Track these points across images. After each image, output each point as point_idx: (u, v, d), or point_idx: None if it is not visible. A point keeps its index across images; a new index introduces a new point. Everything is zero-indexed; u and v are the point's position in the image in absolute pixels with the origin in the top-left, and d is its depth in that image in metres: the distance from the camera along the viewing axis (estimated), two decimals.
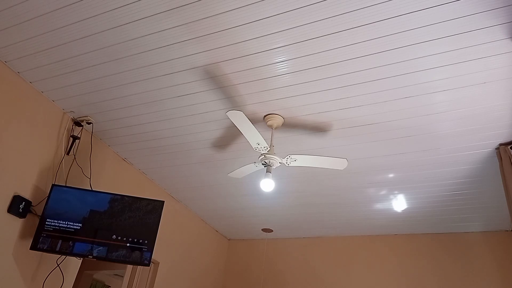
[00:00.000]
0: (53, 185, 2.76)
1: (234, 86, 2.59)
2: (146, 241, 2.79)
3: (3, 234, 2.53)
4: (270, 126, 2.84)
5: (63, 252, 2.66)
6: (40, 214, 2.69)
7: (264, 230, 4.84)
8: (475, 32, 2.00)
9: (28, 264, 2.67)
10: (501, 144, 2.78)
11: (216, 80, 2.57)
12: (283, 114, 2.80)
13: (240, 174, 3.07)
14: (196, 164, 3.58)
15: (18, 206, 2.61)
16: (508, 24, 1.93)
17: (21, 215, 2.64)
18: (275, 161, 2.70)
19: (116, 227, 2.77)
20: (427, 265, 4.13)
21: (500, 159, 2.77)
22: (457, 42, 2.07)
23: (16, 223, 2.62)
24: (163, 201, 2.92)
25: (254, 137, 2.62)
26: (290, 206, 4.11)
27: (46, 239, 2.62)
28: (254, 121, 2.85)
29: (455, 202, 3.59)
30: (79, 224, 2.72)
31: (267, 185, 2.72)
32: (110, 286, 5.79)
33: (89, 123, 3.14)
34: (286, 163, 2.76)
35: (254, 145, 2.70)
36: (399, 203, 3.77)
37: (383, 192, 3.61)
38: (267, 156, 2.69)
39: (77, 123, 3.13)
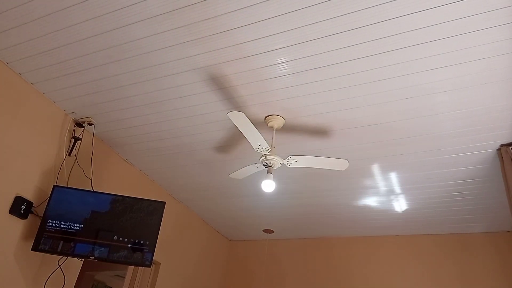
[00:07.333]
0: (54, 186, 2.76)
1: (235, 87, 2.60)
2: (147, 242, 2.79)
3: (4, 235, 2.54)
4: (271, 127, 2.84)
5: (64, 253, 2.66)
6: (42, 215, 2.70)
7: (265, 231, 4.84)
8: (476, 33, 2.00)
9: (29, 265, 2.67)
10: (502, 145, 2.78)
11: (217, 81, 2.57)
12: (284, 115, 2.81)
13: (241, 175, 3.07)
14: (197, 165, 3.58)
15: (20, 207, 2.62)
16: (509, 25, 1.93)
17: (23, 216, 2.64)
18: (276, 162, 2.70)
19: (118, 228, 2.78)
20: (428, 266, 4.12)
21: (502, 160, 2.77)
22: (458, 43, 2.07)
23: (17, 224, 2.62)
24: (164, 202, 2.93)
25: (255, 138, 2.62)
26: (291, 207, 4.11)
27: (47, 240, 2.62)
28: (255, 122, 2.85)
29: (457, 203, 3.59)
30: (81, 225, 2.73)
31: (268, 186, 2.72)
32: (111, 287, 5.79)
33: (90, 124, 3.15)
34: (287, 164, 2.76)
35: (255, 146, 2.70)
36: (400, 204, 3.77)
37: (384, 193, 3.61)
38: (268, 157, 2.69)
39: (79, 124, 3.14)
